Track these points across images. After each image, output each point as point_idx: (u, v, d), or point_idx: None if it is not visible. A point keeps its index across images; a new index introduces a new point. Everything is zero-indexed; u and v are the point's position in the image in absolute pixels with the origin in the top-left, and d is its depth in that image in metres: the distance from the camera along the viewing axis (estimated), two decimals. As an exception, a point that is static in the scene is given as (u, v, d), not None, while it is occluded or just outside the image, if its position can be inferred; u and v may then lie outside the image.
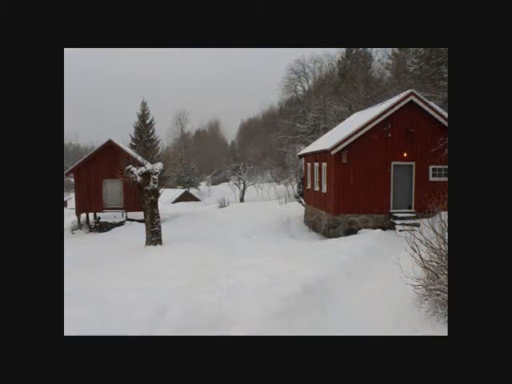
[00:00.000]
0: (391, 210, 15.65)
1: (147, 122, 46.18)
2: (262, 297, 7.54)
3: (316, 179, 18.64)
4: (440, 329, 5.79)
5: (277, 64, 77.06)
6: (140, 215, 19.76)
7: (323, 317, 7.41)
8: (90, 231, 23.30)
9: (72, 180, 29.23)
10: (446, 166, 14.67)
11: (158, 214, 16.30)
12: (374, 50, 43.54)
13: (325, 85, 44.58)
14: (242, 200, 50.92)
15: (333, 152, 15.34)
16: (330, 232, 15.90)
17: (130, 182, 16.55)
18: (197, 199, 54.72)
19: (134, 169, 16.12)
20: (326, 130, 31.29)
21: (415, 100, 15.41)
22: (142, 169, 16.04)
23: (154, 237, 16.05)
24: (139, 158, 18.66)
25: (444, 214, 6.53)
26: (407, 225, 14.24)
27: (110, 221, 23.30)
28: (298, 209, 24.05)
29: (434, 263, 6.50)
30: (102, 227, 23.05)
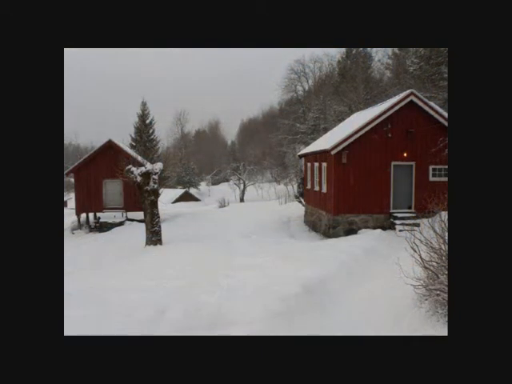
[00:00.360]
0: (391, 210, 15.65)
1: (147, 122, 46.19)
2: (262, 297, 7.54)
3: (316, 179, 18.64)
4: (440, 329, 5.79)
5: (277, 64, 77.11)
6: (140, 215, 19.76)
7: (323, 317, 7.41)
8: (90, 231, 23.30)
9: (72, 180, 29.23)
10: (446, 166, 14.67)
11: (158, 214, 16.30)
12: (374, 49, 43.58)
13: (325, 85, 44.58)
14: (242, 200, 50.91)
15: (333, 152, 15.34)
16: (330, 232, 15.90)
17: (129, 182, 16.55)
18: (197, 199, 54.73)
19: (134, 169, 16.12)
20: (326, 130, 31.29)
21: (415, 100, 15.41)
22: (142, 169, 16.04)
23: (154, 237, 16.05)
24: (139, 158, 18.66)
25: (444, 214, 6.53)
26: (407, 225, 14.24)
27: (110, 221, 23.30)
28: (298, 209, 24.05)
29: (434, 263, 6.51)
30: (102, 227, 23.05)
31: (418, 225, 12.61)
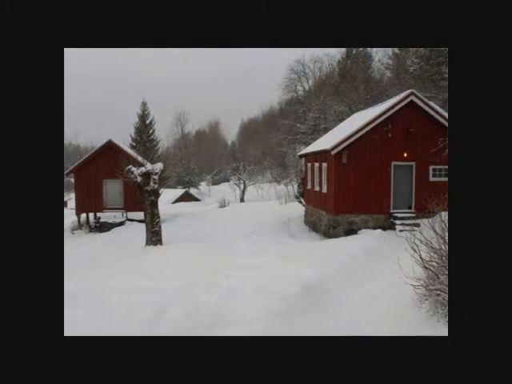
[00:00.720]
0: (391, 210, 15.65)
1: (147, 122, 46.21)
2: (262, 297, 7.54)
3: (316, 179, 18.64)
4: (440, 329, 5.79)
5: (277, 64, 77.05)
6: (140, 215, 19.75)
7: (323, 317, 7.41)
8: (90, 231, 23.31)
9: (72, 180, 29.22)
10: (446, 166, 14.66)
11: (158, 214, 16.30)
12: (374, 50, 43.59)
13: (325, 85, 44.57)
14: (242, 200, 50.90)
15: (333, 152, 15.34)
16: (330, 232, 15.90)
17: (130, 182, 16.55)
18: (197, 199, 54.73)
19: (134, 169, 16.13)
20: (326, 130, 31.28)
21: (415, 100, 15.41)
22: (142, 169, 16.04)
23: (154, 237, 16.05)
24: (139, 158, 18.67)
25: (444, 214, 6.53)
26: (407, 225, 14.24)
27: (110, 221, 23.30)
28: (298, 209, 24.05)
29: (434, 263, 6.50)
30: (102, 227, 23.05)
31: (418, 225, 12.60)
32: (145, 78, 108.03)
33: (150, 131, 46.24)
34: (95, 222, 23.61)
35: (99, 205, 24.07)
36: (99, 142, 25.74)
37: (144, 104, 46.41)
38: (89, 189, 24.18)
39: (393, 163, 15.67)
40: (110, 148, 24.09)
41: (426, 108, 15.44)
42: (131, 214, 23.69)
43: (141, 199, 16.30)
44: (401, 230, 14.10)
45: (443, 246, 6.43)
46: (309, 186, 20.49)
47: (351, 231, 15.45)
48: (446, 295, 5.89)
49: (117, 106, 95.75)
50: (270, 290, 7.90)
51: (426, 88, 23.72)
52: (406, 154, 15.62)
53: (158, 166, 16.49)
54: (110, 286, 9.09)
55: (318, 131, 37.18)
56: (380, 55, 43.87)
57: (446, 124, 14.58)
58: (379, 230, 14.72)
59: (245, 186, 53.05)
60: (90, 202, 24.03)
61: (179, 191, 55.06)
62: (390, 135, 15.57)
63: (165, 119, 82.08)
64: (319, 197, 18.06)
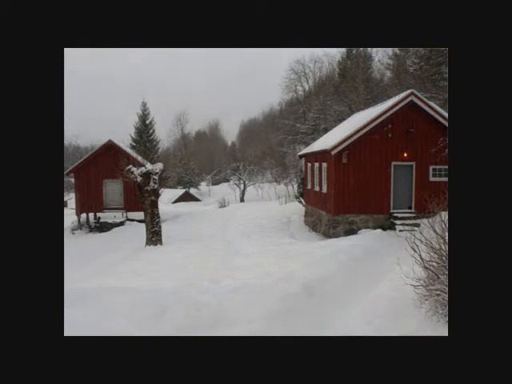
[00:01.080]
0: (391, 210, 15.65)
1: (147, 122, 46.23)
2: (262, 297, 7.54)
3: (316, 179, 18.63)
4: (440, 329, 5.79)
5: (277, 64, 77.04)
6: (140, 215, 19.76)
7: (323, 317, 7.40)
8: (90, 231, 23.31)
9: (72, 180, 29.23)
10: (446, 166, 14.66)
11: (158, 214, 16.30)
12: (374, 50, 43.60)
13: (325, 85, 44.58)
14: (242, 200, 50.89)
15: (333, 152, 15.33)
16: (330, 232, 15.90)
17: (130, 182, 16.55)
18: (197, 199, 54.72)
19: (134, 169, 16.13)
20: (326, 130, 31.28)
21: (415, 100, 15.41)
22: (142, 169, 16.05)
23: (154, 237, 16.05)
24: (139, 158, 18.68)
25: (444, 214, 6.53)
26: (407, 225, 14.24)
27: (110, 221, 23.31)
28: (298, 209, 24.04)
29: (434, 263, 6.50)
30: (102, 227, 23.06)
31: (418, 225, 12.61)
32: (145, 78, 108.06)
33: (150, 131, 46.26)
34: (95, 222, 23.61)
35: (99, 205, 24.07)
36: (99, 142, 25.75)
37: (144, 104, 46.48)
38: (89, 189, 24.19)
39: (393, 163, 15.66)
40: (110, 148, 24.09)
41: (426, 108, 15.44)
42: (131, 214, 23.69)
43: (141, 199, 16.31)
44: (401, 230, 14.09)
45: (443, 246, 6.43)
46: (309, 186, 20.49)
47: (351, 231, 15.44)
48: (446, 295, 5.89)
49: (117, 105, 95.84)
50: (270, 289, 7.90)
51: (426, 88, 23.74)
52: (406, 154, 15.62)
53: (158, 166, 16.50)
54: (109, 285, 9.09)
55: (317, 131, 37.18)
56: (380, 55, 43.93)
57: (446, 124, 14.58)
58: (379, 230, 14.72)
59: (245, 186, 53.04)
60: (90, 202, 24.04)
61: (179, 191, 55.06)
62: (390, 135, 15.56)
63: (165, 119, 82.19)
64: (319, 197, 18.05)
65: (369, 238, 13.64)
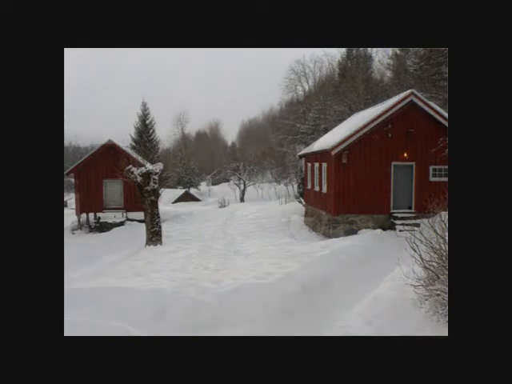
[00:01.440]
0: (391, 210, 15.64)
1: (147, 122, 46.21)
2: (262, 297, 7.55)
3: (316, 179, 18.63)
4: (440, 329, 5.79)
5: (277, 64, 76.98)
6: (140, 215, 19.76)
7: (323, 317, 7.41)
8: (90, 231, 23.31)
9: (72, 180, 29.22)
10: (446, 166, 14.65)
11: (158, 214, 16.30)
12: (375, 50, 43.59)
13: (325, 85, 44.59)
14: (242, 200, 50.89)
15: (333, 152, 15.33)
16: (330, 232, 15.90)
17: (130, 182, 16.55)
18: (197, 199, 54.69)
19: (134, 169, 16.13)
20: (326, 130, 31.26)
21: (415, 100, 15.40)
22: (142, 169, 16.05)
23: (154, 237, 16.05)
24: (139, 159, 18.68)
25: (444, 214, 6.53)
26: (407, 225, 14.23)
27: (110, 221, 23.30)
28: (298, 209, 24.04)
29: (434, 263, 6.50)
30: (102, 227, 23.06)
31: (418, 225, 12.60)
32: (145, 77, 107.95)
33: (150, 131, 46.24)
34: (95, 222, 23.61)
35: (99, 205, 24.07)
36: (99, 142, 25.74)
37: (144, 104, 46.43)
38: (89, 189, 24.18)
39: (393, 163, 15.66)
40: (110, 148, 24.08)
41: (426, 108, 15.43)
42: (131, 214, 23.69)
43: (141, 199, 16.31)
44: (401, 230, 14.08)
45: (443, 246, 6.43)
46: (309, 186, 20.49)
47: (351, 231, 15.44)
48: (446, 295, 5.88)
49: (117, 105, 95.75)
50: (271, 289, 7.91)
51: (426, 88, 23.73)
52: (406, 154, 15.61)
53: (158, 166, 16.50)
54: (109, 286, 9.09)
55: (318, 131, 37.16)
56: (380, 55, 43.93)
57: (446, 124, 14.58)
58: (379, 230, 14.71)
59: (245, 186, 53.03)
60: (90, 202, 24.03)
61: (179, 191, 55.02)
62: (390, 135, 15.56)
63: (165, 119, 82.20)
64: (319, 197, 18.05)
65: (369, 238, 13.65)
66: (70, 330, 4.61)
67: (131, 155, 21.63)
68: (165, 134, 70.26)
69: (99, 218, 23.79)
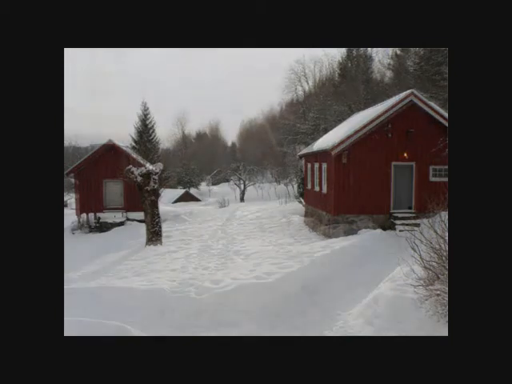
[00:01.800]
0: (391, 210, 15.64)
1: (147, 122, 46.17)
2: (262, 297, 7.55)
3: (316, 179, 18.63)
4: (440, 329, 5.79)
5: (277, 64, 77.00)
6: (140, 215, 19.76)
7: (323, 317, 7.41)
8: (90, 231, 23.30)
9: (72, 180, 29.20)
10: (446, 166, 14.65)
11: (158, 214, 16.30)
12: (375, 50, 43.56)
13: (325, 86, 44.58)
14: (242, 200, 50.86)
15: (333, 152, 15.33)
16: (330, 232, 15.89)
17: (130, 182, 16.55)
18: (197, 199, 54.65)
19: (134, 169, 16.13)
20: (326, 130, 31.25)
21: (415, 100, 15.40)
22: (143, 169, 16.05)
23: (154, 237, 16.05)
24: (139, 159, 18.68)
25: (444, 214, 6.53)
26: (407, 225, 14.23)
27: (110, 221, 23.30)
28: (298, 209, 24.04)
29: (434, 263, 6.50)
30: (103, 227, 23.05)
31: (418, 225, 12.61)
32: (145, 77, 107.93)
33: (151, 131, 46.20)
34: (95, 222, 23.60)
35: (99, 205, 24.05)
36: (99, 142, 25.73)
37: (144, 105, 46.36)
38: (89, 189, 24.17)
39: (393, 163, 15.65)
40: (110, 148, 24.07)
41: (426, 108, 15.43)
42: (131, 214, 23.68)
43: (141, 199, 16.31)
44: (401, 230, 14.08)
45: (443, 246, 6.43)
46: (309, 186, 20.49)
47: (351, 231, 15.43)
48: (446, 295, 5.88)
49: (117, 106, 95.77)
50: (270, 289, 7.91)
51: (426, 88, 23.73)
52: (406, 154, 15.61)
53: (158, 166, 16.50)
54: (110, 286, 9.09)
55: (318, 131, 37.12)
56: (380, 55, 43.91)
57: (446, 124, 14.57)
58: (379, 230, 14.71)
59: (245, 186, 53.03)
60: (90, 202, 24.01)
61: (179, 191, 54.99)
62: (389, 135, 15.56)
63: (165, 120, 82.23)
64: (319, 197, 18.05)
65: (369, 238, 13.65)
66: (69, 330, 4.61)
67: (131, 155, 21.63)
68: (165, 134, 70.25)
69: (99, 218, 23.78)
